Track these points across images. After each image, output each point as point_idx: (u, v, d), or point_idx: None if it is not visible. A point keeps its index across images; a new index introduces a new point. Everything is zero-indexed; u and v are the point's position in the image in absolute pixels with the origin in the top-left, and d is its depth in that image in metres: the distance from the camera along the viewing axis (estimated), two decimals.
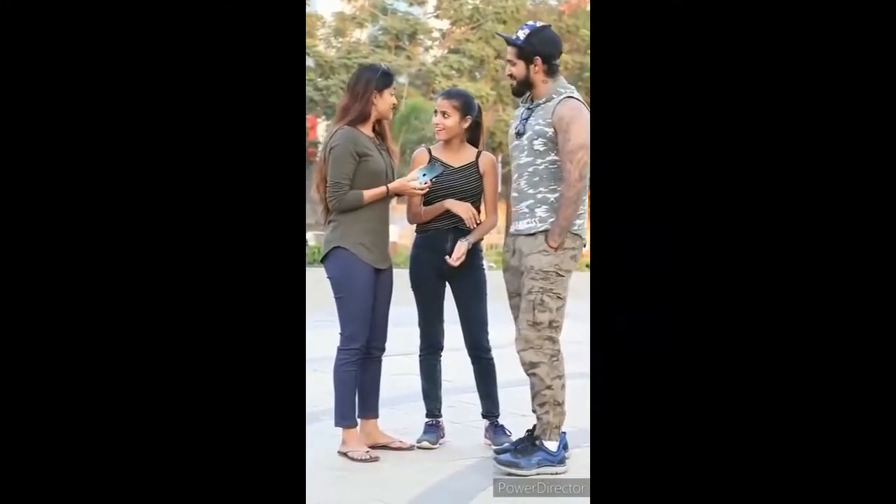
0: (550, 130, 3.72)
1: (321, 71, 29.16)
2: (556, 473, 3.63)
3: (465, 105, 4.20)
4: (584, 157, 3.61)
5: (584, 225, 3.76)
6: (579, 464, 3.64)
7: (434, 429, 4.22)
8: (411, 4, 31.31)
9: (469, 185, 4.19)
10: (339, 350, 3.97)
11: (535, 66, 3.78)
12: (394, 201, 4.23)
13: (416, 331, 4.30)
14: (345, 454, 3.91)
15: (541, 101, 3.80)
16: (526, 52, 3.78)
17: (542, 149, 3.74)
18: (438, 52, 31.98)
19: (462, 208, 4.10)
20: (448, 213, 4.14)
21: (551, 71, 3.81)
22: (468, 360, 4.29)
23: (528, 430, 3.89)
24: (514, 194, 3.85)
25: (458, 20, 31.34)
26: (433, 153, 4.24)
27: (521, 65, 3.80)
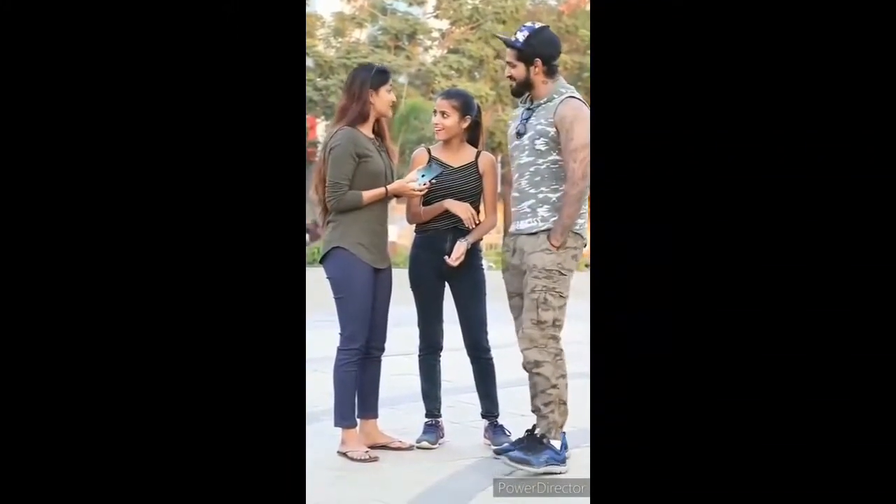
0: (552, 130, 3.72)
1: (321, 71, 29.15)
2: (559, 473, 3.63)
3: (465, 105, 4.20)
4: (587, 155, 3.62)
5: (585, 224, 3.77)
6: (579, 464, 3.64)
7: (433, 429, 4.22)
8: (411, 4, 31.29)
9: (468, 185, 4.19)
10: (339, 350, 3.97)
11: (535, 67, 3.78)
12: (393, 201, 4.23)
13: (416, 331, 4.30)
14: (344, 454, 3.91)
15: (541, 102, 3.80)
16: (525, 53, 3.78)
17: (543, 148, 3.75)
18: (438, 52, 31.97)
19: (461, 208, 4.10)
20: (447, 214, 4.14)
21: (551, 71, 3.82)
22: (467, 360, 4.29)
23: (527, 430, 3.89)
24: (514, 194, 3.86)
25: (458, 20, 31.33)
26: (432, 153, 4.24)
27: (520, 66, 3.80)
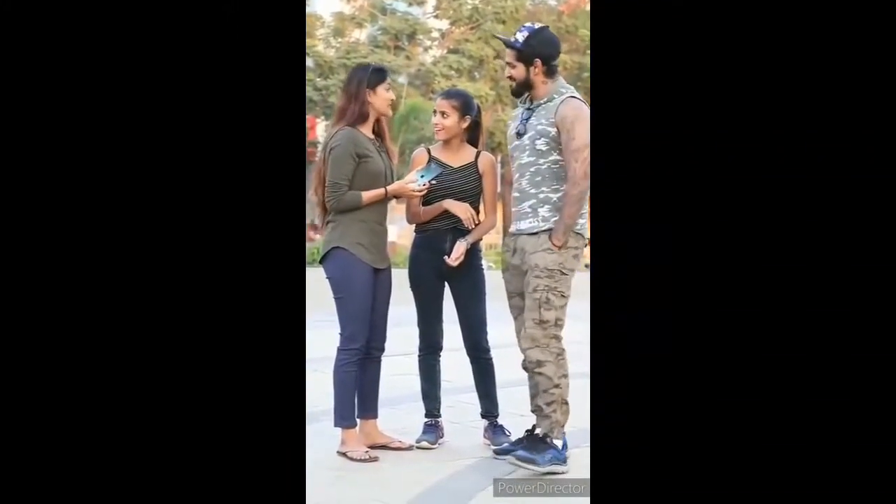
0: (553, 130, 3.72)
1: (320, 71, 29.16)
2: (562, 473, 3.63)
3: (465, 105, 4.20)
4: (589, 155, 3.62)
5: (585, 224, 3.77)
6: (579, 464, 3.64)
7: (433, 429, 4.22)
8: (410, 4, 31.31)
9: (468, 186, 4.19)
10: (339, 350, 3.97)
11: (535, 67, 3.78)
12: (393, 201, 4.23)
13: (416, 331, 4.30)
14: (344, 454, 3.91)
15: (541, 102, 3.80)
16: (525, 54, 3.79)
17: (544, 148, 3.75)
18: (437, 52, 31.98)
19: (460, 209, 4.10)
20: (447, 213, 4.14)
21: (551, 72, 3.82)
22: (467, 360, 4.29)
23: (527, 430, 3.89)
24: (515, 194, 3.86)
25: (458, 20, 31.33)
26: (432, 153, 4.24)
27: (520, 67, 3.80)
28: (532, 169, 3.78)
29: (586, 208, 3.74)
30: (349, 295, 3.95)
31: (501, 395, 4.28)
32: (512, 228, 3.91)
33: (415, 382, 4.36)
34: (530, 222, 3.78)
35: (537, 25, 3.92)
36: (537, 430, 3.76)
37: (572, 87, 3.88)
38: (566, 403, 3.74)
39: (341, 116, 4.03)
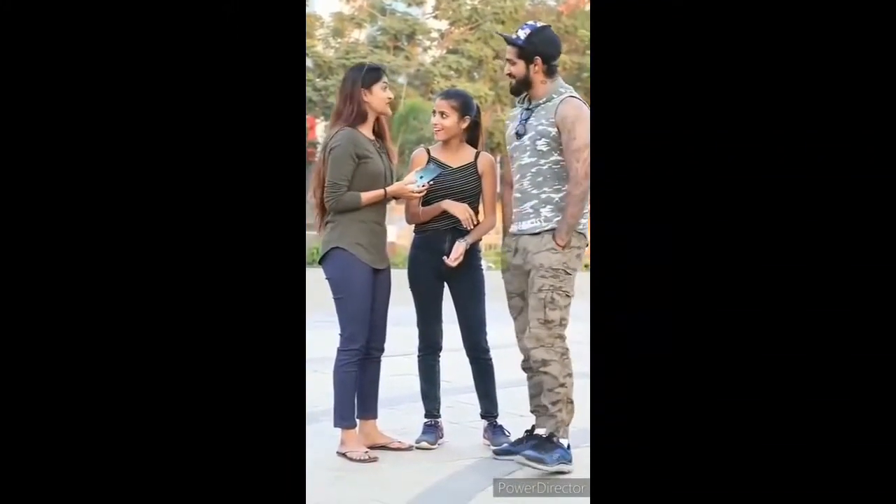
0: (553, 130, 3.72)
1: (320, 71, 29.14)
2: (568, 472, 3.63)
3: (464, 105, 4.20)
4: (589, 155, 3.62)
5: (587, 224, 3.77)
6: (579, 464, 3.64)
7: (433, 429, 4.22)
8: (410, 5, 31.27)
9: (468, 186, 4.18)
10: (339, 351, 3.97)
11: (535, 66, 3.78)
12: (392, 201, 4.23)
13: (415, 331, 4.30)
14: (344, 454, 3.91)
15: (540, 102, 3.80)
16: (526, 51, 3.78)
17: (545, 149, 3.75)
18: (437, 52, 31.95)
19: (459, 209, 4.10)
20: (446, 214, 4.14)
21: (550, 71, 3.82)
22: (467, 360, 4.29)
23: (526, 431, 3.89)
24: (516, 195, 3.86)
25: (457, 21, 31.31)
26: (432, 153, 4.23)
27: (520, 64, 3.80)
28: (533, 169, 3.77)
29: (587, 208, 3.75)
30: (349, 295, 3.95)
31: (501, 395, 4.28)
32: (513, 229, 3.91)
33: (414, 383, 4.36)
34: (532, 223, 3.78)
35: (539, 24, 3.92)
36: (539, 430, 3.76)
37: (571, 87, 3.88)
38: (571, 402, 3.74)
39: (338, 118, 4.03)
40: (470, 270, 4.17)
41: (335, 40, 31.43)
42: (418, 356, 4.30)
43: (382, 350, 4.15)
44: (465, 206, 4.12)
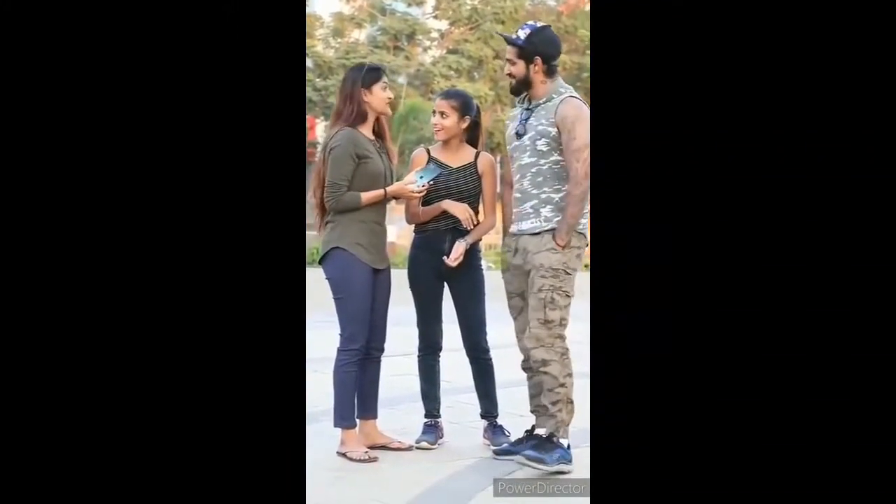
0: (553, 130, 3.72)
1: (320, 71, 29.13)
2: (568, 472, 3.63)
3: (464, 105, 4.20)
4: (589, 155, 3.62)
5: (587, 224, 3.77)
6: (579, 464, 3.64)
7: (433, 429, 4.22)
8: (410, 5, 31.27)
9: (468, 186, 4.18)
10: (340, 351, 3.97)
11: (535, 65, 3.78)
12: (392, 201, 4.23)
13: (415, 331, 4.30)
14: (344, 454, 3.91)
15: (540, 102, 3.80)
16: (526, 51, 3.78)
17: (545, 149, 3.75)
18: (437, 52, 31.95)
19: (459, 209, 4.10)
20: (446, 214, 4.14)
21: (550, 71, 3.82)
22: (467, 360, 4.29)
23: (526, 431, 3.89)
24: (516, 195, 3.86)
25: (457, 21, 31.30)
26: (432, 154, 4.23)
27: (521, 64, 3.80)
28: (533, 169, 3.78)
29: (587, 208, 3.75)
30: (349, 295, 3.95)
31: (501, 395, 4.28)
32: (513, 229, 3.91)
33: (414, 383, 4.36)
34: (532, 222, 3.78)
35: (539, 24, 3.92)
36: (539, 430, 3.76)
37: (571, 87, 3.88)
38: (571, 402, 3.74)
39: (338, 118, 4.03)
40: (470, 270, 4.17)
41: (335, 40, 31.42)
42: (418, 356, 4.30)
43: (382, 350, 4.15)
44: (465, 206, 4.12)
